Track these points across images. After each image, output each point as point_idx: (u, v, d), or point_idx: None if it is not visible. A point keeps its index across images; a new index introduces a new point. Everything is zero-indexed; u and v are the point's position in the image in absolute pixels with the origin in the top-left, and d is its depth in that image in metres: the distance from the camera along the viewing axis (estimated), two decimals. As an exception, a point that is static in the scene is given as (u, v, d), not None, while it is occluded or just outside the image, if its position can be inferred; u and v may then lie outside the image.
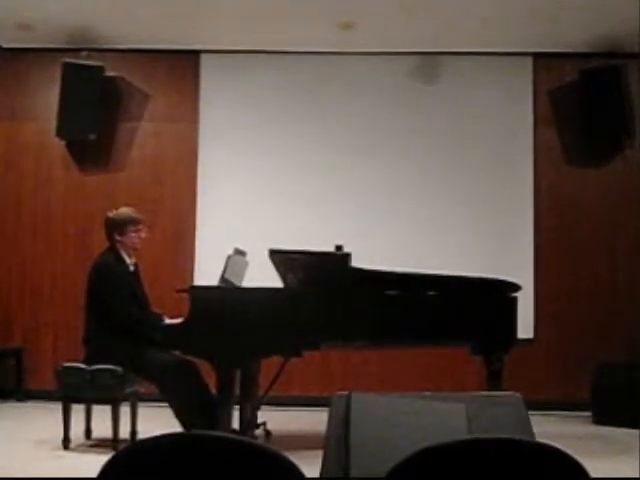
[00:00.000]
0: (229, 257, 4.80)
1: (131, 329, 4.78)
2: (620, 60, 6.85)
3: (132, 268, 5.09)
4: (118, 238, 5.02)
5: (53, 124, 6.97)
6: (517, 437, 1.60)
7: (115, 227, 5.02)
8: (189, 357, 4.74)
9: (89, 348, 4.91)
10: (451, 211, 7.04)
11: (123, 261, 5.03)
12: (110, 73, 7.08)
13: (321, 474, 2.02)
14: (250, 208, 7.03)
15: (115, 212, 5.10)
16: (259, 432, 5.17)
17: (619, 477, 3.91)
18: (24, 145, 7.25)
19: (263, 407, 5.25)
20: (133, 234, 5.04)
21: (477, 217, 7.03)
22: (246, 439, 1.54)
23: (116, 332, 4.79)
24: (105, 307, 4.84)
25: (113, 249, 5.03)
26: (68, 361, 4.95)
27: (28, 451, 4.82)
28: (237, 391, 4.72)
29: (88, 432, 5.16)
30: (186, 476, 1.49)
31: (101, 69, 6.97)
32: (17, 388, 6.89)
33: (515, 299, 4.83)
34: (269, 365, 4.95)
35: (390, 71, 7.13)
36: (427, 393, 2.20)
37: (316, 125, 7.14)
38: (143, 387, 5.09)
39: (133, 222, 5.05)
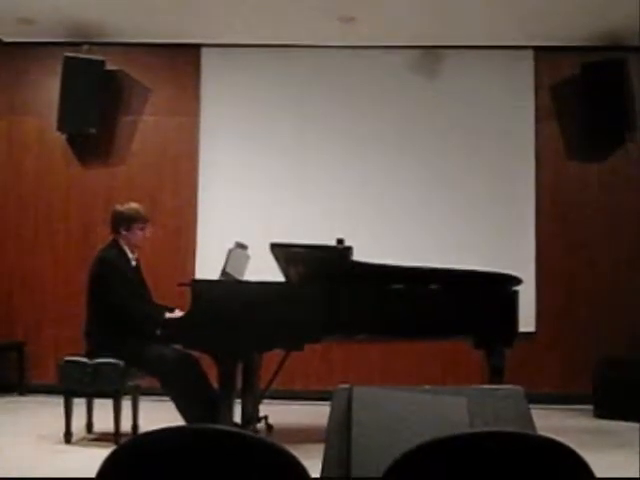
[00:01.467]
0: (230, 251, 4.79)
1: (133, 323, 4.77)
2: (621, 53, 6.83)
3: (134, 263, 5.09)
4: (124, 233, 5.01)
5: (54, 118, 6.96)
6: (518, 430, 1.60)
7: (122, 221, 5.01)
8: (190, 351, 4.75)
9: (91, 342, 4.91)
10: (452, 205, 7.03)
11: (125, 256, 5.03)
12: (111, 67, 7.08)
13: (322, 467, 2.02)
14: (251, 201, 7.03)
15: (124, 206, 5.08)
16: (260, 426, 5.17)
17: (620, 477, 3.91)
18: (25, 139, 7.24)
19: (264, 401, 5.26)
20: (139, 232, 5.03)
21: (478, 211, 7.02)
22: (247, 433, 1.54)
23: (118, 326, 4.79)
24: (107, 301, 4.83)
25: (116, 243, 5.03)
26: (70, 355, 4.95)
27: (30, 445, 4.82)
28: (238, 385, 4.72)
29: (89, 426, 5.17)
30: (187, 470, 1.49)
31: (102, 63, 6.96)
32: (19, 382, 6.90)
33: (516, 293, 4.83)
34: (270, 359, 4.95)
35: (391, 65, 7.11)
36: (429, 386, 2.20)
37: (317, 119, 7.12)
38: (144, 381, 5.10)
39: (141, 220, 5.04)
